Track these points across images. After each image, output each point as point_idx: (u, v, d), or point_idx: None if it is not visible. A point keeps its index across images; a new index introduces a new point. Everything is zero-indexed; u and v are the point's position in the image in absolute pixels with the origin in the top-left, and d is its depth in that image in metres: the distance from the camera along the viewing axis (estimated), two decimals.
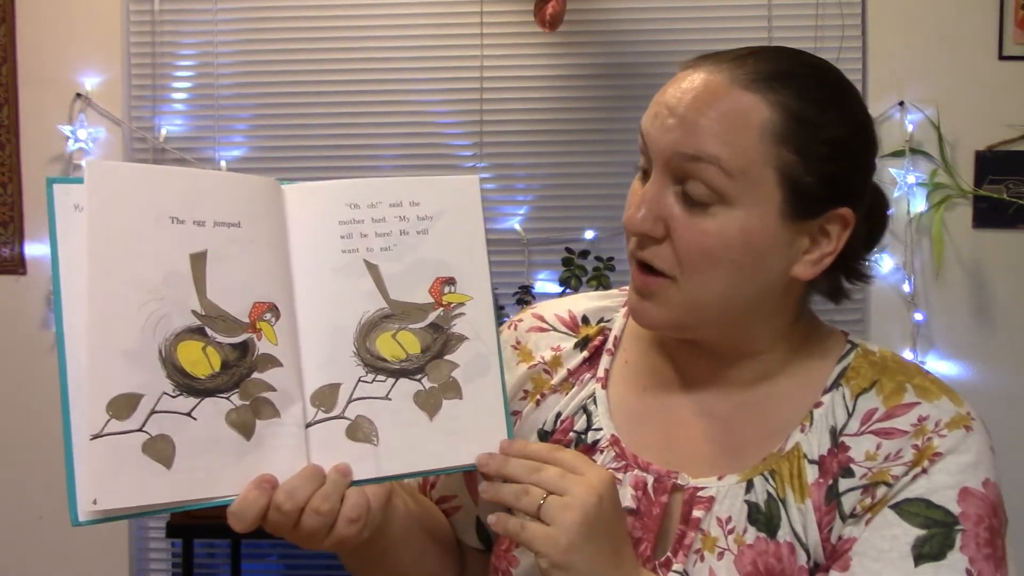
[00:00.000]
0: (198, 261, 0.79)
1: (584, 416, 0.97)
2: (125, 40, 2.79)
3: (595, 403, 0.98)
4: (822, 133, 0.86)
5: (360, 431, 0.83)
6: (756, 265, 0.87)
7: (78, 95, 2.74)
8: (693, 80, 0.87)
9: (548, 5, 2.54)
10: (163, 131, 2.80)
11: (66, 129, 2.73)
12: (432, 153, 2.80)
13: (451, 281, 0.88)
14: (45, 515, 2.76)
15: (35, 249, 2.77)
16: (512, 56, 2.78)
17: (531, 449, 0.86)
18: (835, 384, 0.92)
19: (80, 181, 0.76)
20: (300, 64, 2.79)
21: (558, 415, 0.98)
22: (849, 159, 0.88)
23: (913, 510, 0.85)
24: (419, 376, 0.86)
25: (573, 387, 0.99)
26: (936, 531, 0.84)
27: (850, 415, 0.90)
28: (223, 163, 2.78)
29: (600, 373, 0.99)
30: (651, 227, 0.87)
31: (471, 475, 1.02)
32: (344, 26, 2.79)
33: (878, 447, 0.88)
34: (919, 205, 2.66)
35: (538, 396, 1.00)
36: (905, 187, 2.65)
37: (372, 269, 0.85)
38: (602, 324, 1.03)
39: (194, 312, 0.78)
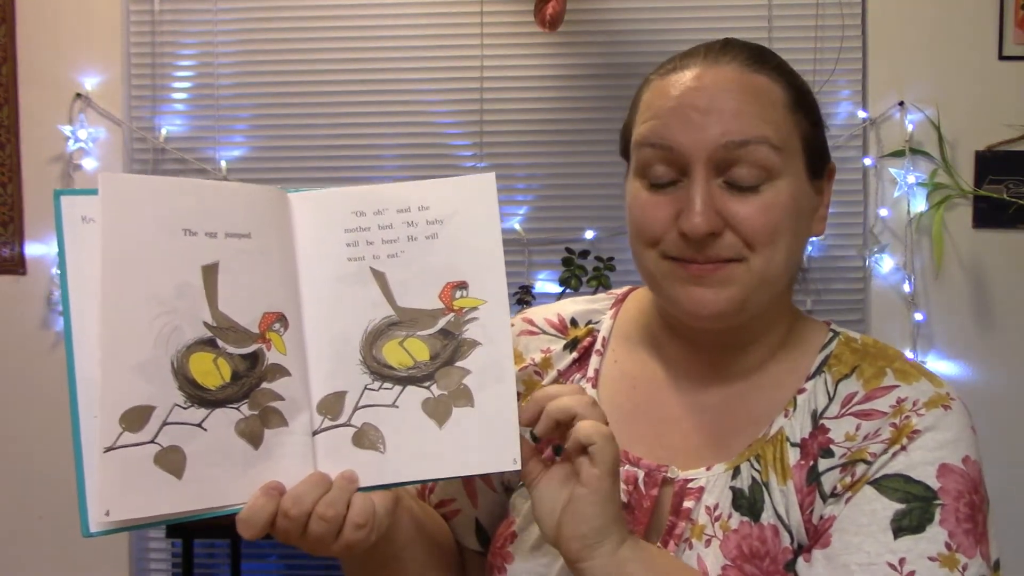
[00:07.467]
0: (210, 273, 0.79)
1: None
2: (125, 40, 2.78)
3: None
4: (809, 97, 0.95)
5: (366, 438, 0.83)
6: (803, 228, 0.93)
7: (78, 95, 2.74)
8: (700, 77, 0.90)
9: (548, 5, 2.54)
10: (163, 131, 2.79)
11: (66, 129, 2.72)
12: (432, 153, 2.79)
13: (462, 285, 0.85)
14: (45, 515, 2.76)
15: (35, 249, 2.77)
16: (512, 56, 2.77)
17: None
18: (818, 371, 0.95)
19: (87, 193, 0.77)
20: (300, 64, 2.78)
21: None
22: (821, 117, 0.97)
23: (892, 485, 0.86)
24: (428, 383, 0.85)
25: None
26: (915, 505, 0.85)
27: (831, 399, 0.92)
28: (223, 163, 2.78)
29: (590, 373, 1.01)
30: (715, 224, 0.88)
31: (470, 479, 1.03)
32: (344, 26, 2.78)
33: (857, 428, 0.90)
34: (919, 205, 2.66)
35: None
36: (905, 187, 2.65)
37: (379, 276, 0.85)
38: (590, 326, 1.05)
39: (205, 323, 0.79)
